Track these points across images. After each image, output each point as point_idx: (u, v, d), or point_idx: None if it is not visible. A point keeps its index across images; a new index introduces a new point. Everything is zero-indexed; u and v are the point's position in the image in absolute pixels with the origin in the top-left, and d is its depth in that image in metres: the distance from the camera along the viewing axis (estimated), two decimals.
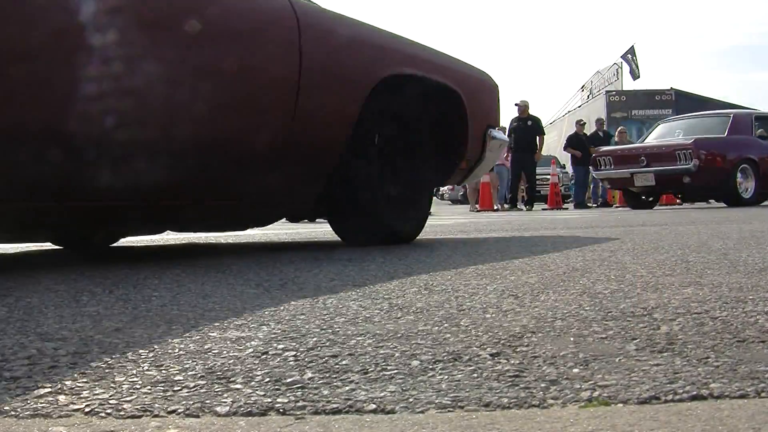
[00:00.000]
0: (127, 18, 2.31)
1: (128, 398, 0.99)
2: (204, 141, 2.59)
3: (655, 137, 12.76)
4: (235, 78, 2.64)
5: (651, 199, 12.67)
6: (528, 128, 13.68)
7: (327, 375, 1.08)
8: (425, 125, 3.57)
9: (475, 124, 3.74)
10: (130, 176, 2.42)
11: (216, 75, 2.57)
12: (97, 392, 1.02)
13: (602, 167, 12.29)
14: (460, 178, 4.12)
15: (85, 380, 1.08)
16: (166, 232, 4.31)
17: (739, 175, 11.28)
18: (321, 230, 5.24)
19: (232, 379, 1.07)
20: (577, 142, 15.83)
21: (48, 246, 4.36)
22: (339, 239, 3.56)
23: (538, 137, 13.92)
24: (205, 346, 1.28)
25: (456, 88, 3.59)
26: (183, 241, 4.80)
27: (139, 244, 4.60)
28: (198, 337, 1.35)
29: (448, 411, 0.91)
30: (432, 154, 3.65)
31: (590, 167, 13.37)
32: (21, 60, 2.05)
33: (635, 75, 27.69)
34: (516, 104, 13.90)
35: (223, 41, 2.61)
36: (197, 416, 0.92)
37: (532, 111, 13.94)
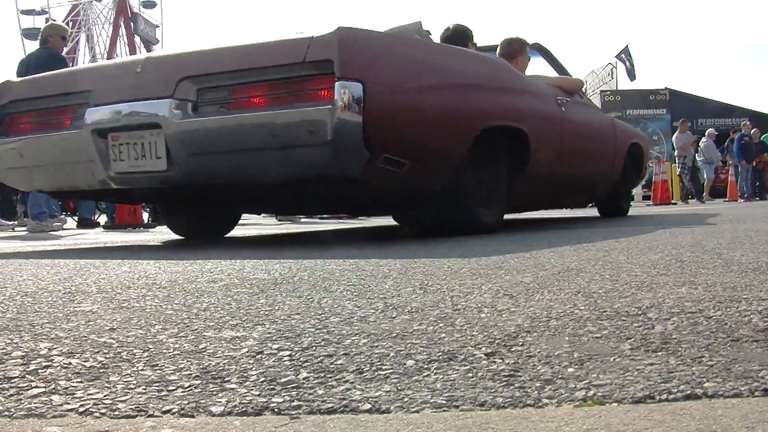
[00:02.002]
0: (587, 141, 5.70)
1: (123, 398, 0.99)
2: (588, 177, 5.84)
3: None
4: (602, 153, 5.95)
5: None
6: None
7: (322, 375, 1.08)
8: (628, 160, 6.65)
9: (645, 158, 7.28)
10: (574, 192, 6.13)
11: (597, 152, 5.84)
12: (91, 392, 1.01)
13: None
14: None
15: (79, 380, 1.07)
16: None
17: None
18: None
19: (227, 379, 1.06)
20: None
21: (45, 245, 4.35)
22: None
23: None
24: (200, 346, 1.28)
25: (641, 143, 7.11)
26: (179, 241, 4.79)
27: (135, 244, 4.59)
28: (192, 337, 1.35)
29: (443, 411, 0.91)
30: (631, 172, 6.90)
31: None
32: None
33: (632, 76, 27.72)
34: None
35: (598, 138, 5.90)
36: (192, 416, 0.92)
37: None
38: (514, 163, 4.28)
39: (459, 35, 4.76)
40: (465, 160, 3.83)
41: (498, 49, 5.36)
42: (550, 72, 6.12)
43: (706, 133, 18.38)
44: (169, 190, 3.75)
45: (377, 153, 3.24)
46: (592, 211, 7.70)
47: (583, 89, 6.07)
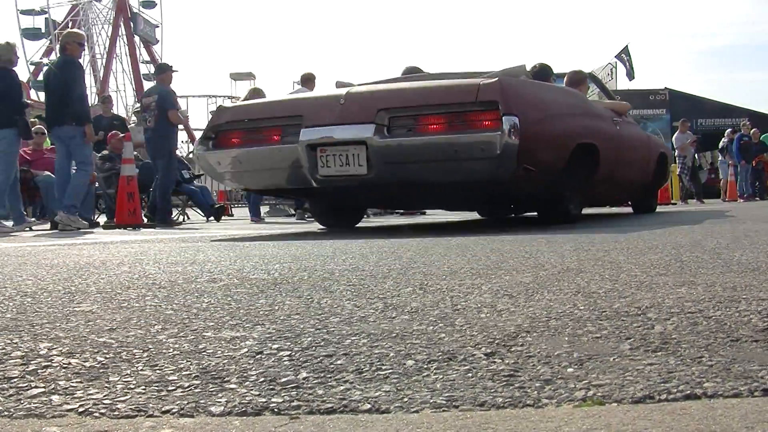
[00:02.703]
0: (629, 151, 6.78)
1: (122, 398, 0.99)
2: (631, 180, 6.98)
3: None
4: (641, 161, 7.12)
5: None
6: None
7: (322, 375, 1.08)
8: (657, 166, 7.86)
9: (669, 165, 8.65)
10: (621, 192, 7.42)
11: (638, 161, 7.00)
12: (90, 392, 1.01)
13: None
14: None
15: (78, 380, 1.08)
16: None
17: None
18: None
19: (226, 379, 1.06)
20: None
21: (43, 243, 4.35)
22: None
23: None
24: (200, 346, 1.28)
25: (667, 153, 8.46)
26: (177, 243, 4.80)
27: (134, 246, 4.59)
28: (192, 337, 1.35)
29: (443, 411, 0.91)
30: (659, 176, 8.11)
31: None
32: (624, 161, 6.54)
33: (631, 76, 27.71)
34: None
35: (639, 149, 7.05)
36: (192, 416, 0.92)
37: None
38: (587, 170, 5.59)
39: (544, 72, 6.17)
40: (562, 169, 5.13)
41: (565, 79, 6.79)
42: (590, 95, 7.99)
43: (726, 134, 18.32)
44: (363, 188, 5.08)
45: (520, 163, 4.56)
46: (621, 209, 9.07)
47: (629, 111, 7.53)
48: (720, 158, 18.29)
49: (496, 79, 4.65)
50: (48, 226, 8.60)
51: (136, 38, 57.40)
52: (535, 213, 6.15)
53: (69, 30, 8.34)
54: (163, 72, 8.83)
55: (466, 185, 5.00)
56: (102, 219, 9.81)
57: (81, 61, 8.02)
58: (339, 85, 5.92)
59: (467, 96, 4.60)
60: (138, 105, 11.98)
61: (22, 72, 52.33)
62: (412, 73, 6.42)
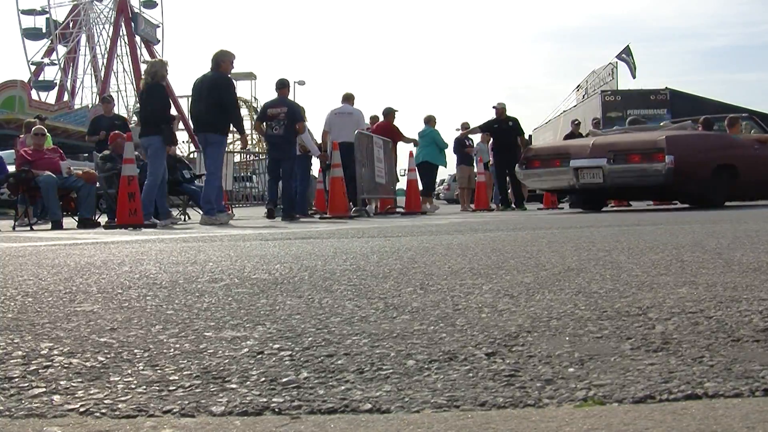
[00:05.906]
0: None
1: (123, 398, 0.99)
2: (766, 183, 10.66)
3: None
4: None
5: None
6: (509, 129, 13.60)
7: (322, 375, 1.08)
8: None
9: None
10: (761, 192, 11.13)
11: None
12: (92, 392, 1.01)
13: None
14: None
15: (79, 380, 1.08)
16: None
17: None
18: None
19: (227, 379, 1.06)
20: None
21: (44, 243, 4.35)
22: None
23: (518, 138, 13.87)
24: (201, 346, 1.28)
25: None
26: (178, 243, 4.80)
27: (135, 246, 4.59)
28: (193, 337, 1.35)
29: (444, 410, 0.91)
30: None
31: None
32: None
33: (633, 74, 27.83)
34: (494, 107, 13.88)
35: None
36: (192, 416, 0.92)
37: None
38: (730, 178, 9.58)
39: (708, 122, 10.59)
40: (708, 178, 9.35)
41: (725, 122, 10.89)
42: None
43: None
44: (600, 190, 10.00)
45: (675, 176, 9.03)
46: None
47: None
48: None
49: (664, 136, 9.40)
50: (49, 226, 8.61)
51: (137, 38, 57.44)
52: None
53: (222, 49, 9.03)
54: (285, 87, 10.41)
55: (648, 186, 9.68)
56: (103, 219, 9.82)
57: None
58: (589, 134, 11.73)
59: (650, 144, 9.34)
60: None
61: (23, 72, 52.34)
62: (636, 122, 11.95)
